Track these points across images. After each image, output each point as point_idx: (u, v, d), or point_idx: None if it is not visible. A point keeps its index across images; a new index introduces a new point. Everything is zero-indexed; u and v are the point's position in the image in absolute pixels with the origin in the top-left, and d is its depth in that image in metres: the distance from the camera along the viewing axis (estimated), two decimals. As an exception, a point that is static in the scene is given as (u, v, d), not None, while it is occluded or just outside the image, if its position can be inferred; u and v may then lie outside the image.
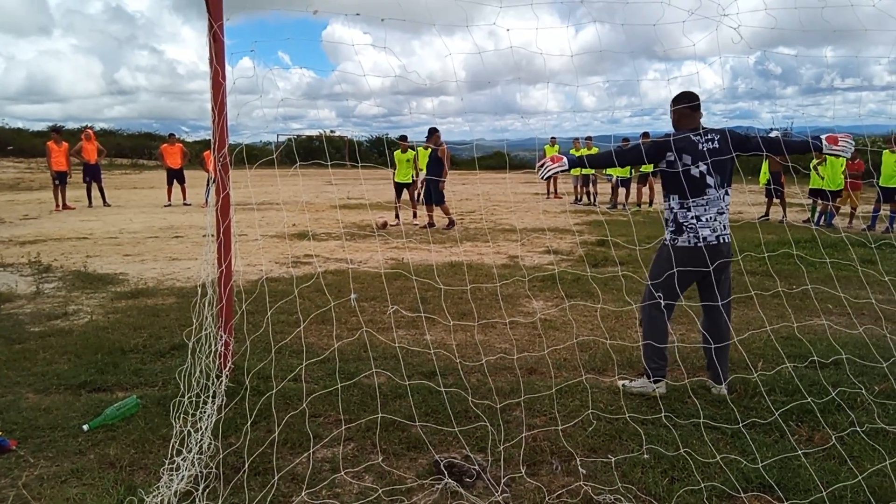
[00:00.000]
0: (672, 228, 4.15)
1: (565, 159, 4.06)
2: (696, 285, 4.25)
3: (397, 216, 14.09)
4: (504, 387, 4.33)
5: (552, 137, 20.14)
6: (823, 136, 4.01)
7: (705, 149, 4.03)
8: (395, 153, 13.97)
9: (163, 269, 8.72)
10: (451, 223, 13.16)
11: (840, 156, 4.06)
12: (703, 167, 4.02)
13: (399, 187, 13.95)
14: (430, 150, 13.21)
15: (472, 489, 3.09)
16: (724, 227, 4.11)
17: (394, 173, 13.93)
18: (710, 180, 4.04)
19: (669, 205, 4.16)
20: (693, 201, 4.04)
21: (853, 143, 4.00)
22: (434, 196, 13.25)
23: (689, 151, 4.03)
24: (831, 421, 3.71)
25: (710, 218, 4.05)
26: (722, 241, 4.08)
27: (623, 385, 4.29)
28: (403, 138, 14.49)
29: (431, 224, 13.21)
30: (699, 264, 4.00)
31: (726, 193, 4.13)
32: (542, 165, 4.08)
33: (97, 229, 12.91)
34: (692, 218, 4.05)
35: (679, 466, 3.25)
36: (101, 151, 18.28)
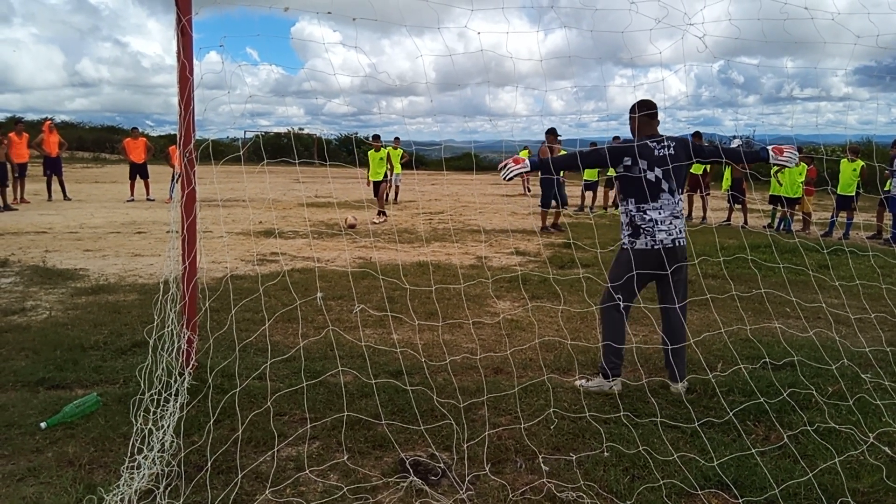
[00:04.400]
0: (629, 232, 4.26)
1: (527, 161, 4.17)
2: (655, 287, 4.36)
3: (382, 213, 14.39)
4: (469, 386, 4.36)
5: (525, 146, 20.33)
6: (770, 147, 4.22)
7: (661, 155, 4.18)
8: (368, 152, 14.31)
9: (125, 265, 8.57)
10: (551, 225, 13.21)
11: (785, 166, 4.28)
12: (658, 172, 4.16)
13: (375, 185, 14.34)
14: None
15: (437, 487, 3.12)
16: (680, 230, 4.24)
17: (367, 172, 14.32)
18: (665, 185, 4.18)
19: (626, 208, 4.27)
20: (649, 205, 4.16)
21: (797, 153, 4.23)
22: (547, 198, 12.89)
23: (645, 157, 4.16)
24: (786, 421, 3.82)
25: (666, 220, 4.18)
26: (677, 243, 4.21)
27: (580, 385, 4.37)
28: (376, 138, 14.77)
29: (556, 226, 12.94)
30: (656, 266, 4.13)
31: (679, 199, 4.27)
32: (504, 166, 4.16)
33: (57, 223, 12.61)
34: (649, 221, 4.17)
35: (639, 464, 3.32)
36: (63, 144, 17.85)
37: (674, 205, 4.21)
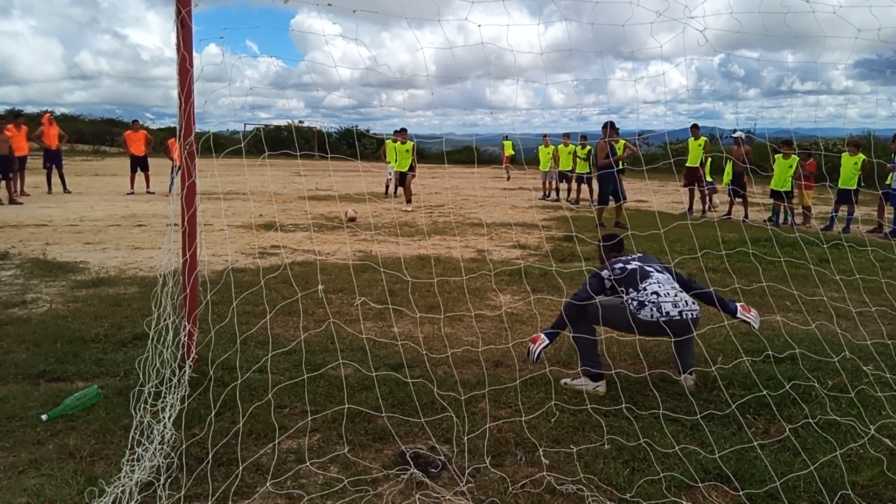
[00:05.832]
0: (634, 305, 4.15)
1: (543, 335, 4.23)
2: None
3: (408, 202, 15.54)
4: (470, 379, 4.37)
5: (506, 137, 20.42)
6: (739, 305, 4.40)
7: (628, 263, 4.31)
8: (395, 144, 15.67)
9: (125, 258, 8.57)
10: (615, 224, 12.70)
11: (750, 324, 4.41)
12: (635, 264, 4.29)
13: (401, 176, 15.62)
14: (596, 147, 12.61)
15: (437, 479, 3.12)
16: (687, 302, 4.16)
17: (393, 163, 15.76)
18: (648, 268, 4.26)
19: (629, 296, 4.19)
20: (643, 283, 4.17)
21: (759, 318, 4.47)
22: (605, 194, 12.50)
23: (617, 274, 4.25)
24: (787, 414, 3.82)
25: (669, 293, 4.14)
26: (685, 316, 4.10)
27: (564, 383, 4.35)
28: (403, 131, 15.51)
29: (619, 223, 12.42)
30: (658, 335, 4.17)
31: (672, 276, 4.33)
32: (528, 352, 4.25)
33: (57, 216, 12.61)
34: (652, 294, 4.13)
35: (639, 457, 3.33)
36: (63, 136, 17.83)
37: (668, 280, 4.22)
